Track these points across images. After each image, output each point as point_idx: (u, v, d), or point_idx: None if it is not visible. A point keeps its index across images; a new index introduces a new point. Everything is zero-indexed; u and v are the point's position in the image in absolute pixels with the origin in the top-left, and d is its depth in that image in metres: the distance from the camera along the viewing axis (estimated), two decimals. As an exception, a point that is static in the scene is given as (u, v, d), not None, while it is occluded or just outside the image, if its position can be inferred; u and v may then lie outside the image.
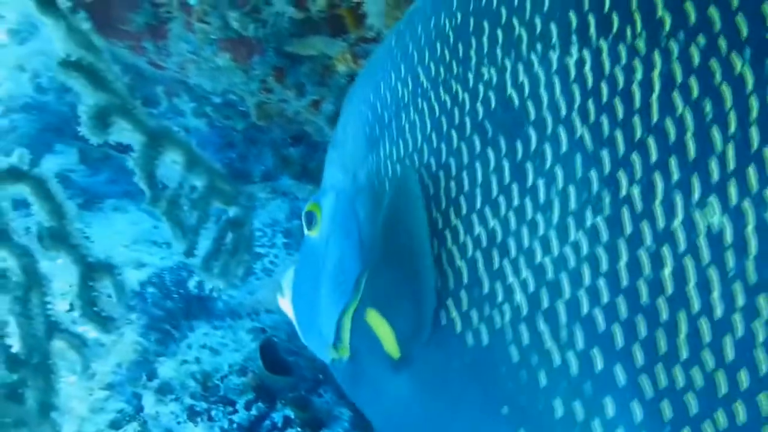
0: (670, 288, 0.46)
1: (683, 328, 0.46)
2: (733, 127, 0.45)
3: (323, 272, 0.71)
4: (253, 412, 1.63)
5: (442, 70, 0.58)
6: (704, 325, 0.45)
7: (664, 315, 0.46)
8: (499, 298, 0.53)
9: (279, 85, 1.70)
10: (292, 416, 1.63)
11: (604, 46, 0.49)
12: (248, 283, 2.03)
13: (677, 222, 0.46)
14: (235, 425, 1.63)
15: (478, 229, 0.54)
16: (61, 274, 1.13)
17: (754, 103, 0.44)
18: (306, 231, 0.75)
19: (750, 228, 0.44)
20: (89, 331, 1.08)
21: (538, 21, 0.53)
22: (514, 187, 0.52)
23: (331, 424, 1.68)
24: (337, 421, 1.69)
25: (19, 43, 3.01)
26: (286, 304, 0.82)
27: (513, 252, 0.52)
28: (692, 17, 0.46)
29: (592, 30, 0.50)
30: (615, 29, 0.49)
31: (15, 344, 1.01)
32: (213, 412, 1.63)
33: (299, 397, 1.64)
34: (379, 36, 1.32)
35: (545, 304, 0.51)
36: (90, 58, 0.92)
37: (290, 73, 1.68)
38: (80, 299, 1.04)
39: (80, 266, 1.02)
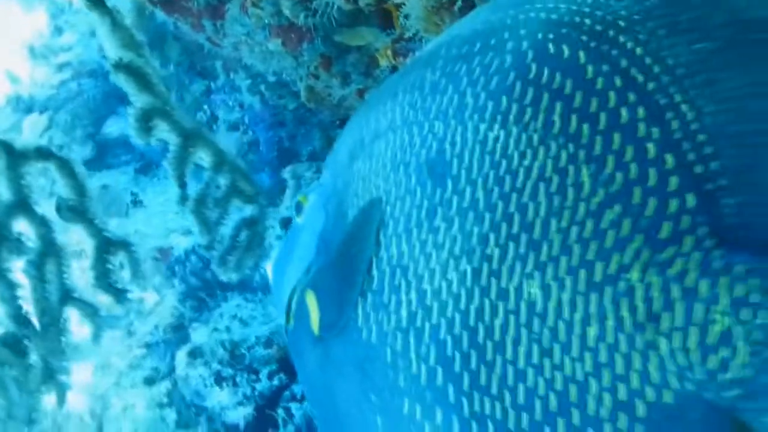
0: (497, 335, 0.58)
1: (498, 369, 0.57)
2: (564, 222, 0.56)
3: (293, 252, 0.84)
4: (275, 382, 1.72)
5: (411, 113, 0.69)
6: (509, 370, 0.57)
7: (489, 355, 0.58)
8: (391, 308, 0.65)
9: (325, 72, 1.75)
10: (312, 390, 1.71)
11: (514, 130, 0.60)
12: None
13: (513, 284, 0.57)
14: (257, 393, 1.72)
15: (393, 248, 0.66)
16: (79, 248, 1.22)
17: (581, 208, 0.55)
18: (295, 216, 0.88)
19: (551, 305, 0.55)
20: (103, 302, 1.16)
21: (482, 95, 0.63)
22: (425, 223, 0.63)
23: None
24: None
25: (92, 10, 3.13)
26: (269, 270, 0.93)
27: (410, 274, 0.64)
28: (573, 126, 0.57)
29: (512, 115, 0.60)
30: (526, 119, 0.59)
31: (28, 306, 1.10)
32: (238, 379, 1.73)
33: (320, 372, 1.71)
34: (416, 37, 1.36)
35: (418, 322, 0.62)
36: (137, 60, 0.99)
37: (337, 62, 1.73)
38: (94, 271, 1.12)
39: (96, 240, 1.11)
